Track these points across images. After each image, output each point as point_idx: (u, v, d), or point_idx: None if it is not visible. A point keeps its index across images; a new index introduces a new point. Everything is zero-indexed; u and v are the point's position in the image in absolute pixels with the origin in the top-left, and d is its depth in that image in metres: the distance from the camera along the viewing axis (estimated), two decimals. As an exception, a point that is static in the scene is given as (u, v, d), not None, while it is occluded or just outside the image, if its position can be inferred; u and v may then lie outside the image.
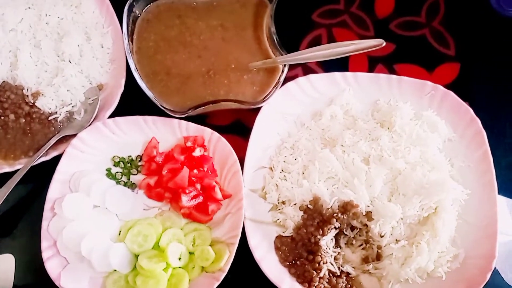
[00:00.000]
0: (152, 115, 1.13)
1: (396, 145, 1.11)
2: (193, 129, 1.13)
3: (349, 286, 1.05)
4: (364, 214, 1.05)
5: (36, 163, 1.10)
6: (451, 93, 1.15)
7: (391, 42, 1.30)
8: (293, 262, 1.06)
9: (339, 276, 1.05)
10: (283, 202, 1.11)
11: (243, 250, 1.03)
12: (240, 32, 1.22)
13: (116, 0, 1.22)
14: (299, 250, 1.06)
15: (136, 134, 1.14)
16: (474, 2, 1.34)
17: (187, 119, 1.13)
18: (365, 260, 1.07)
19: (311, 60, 1.16)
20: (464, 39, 1.31)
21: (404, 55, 1.30)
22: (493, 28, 1.32)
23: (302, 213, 1.08)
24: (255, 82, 1.17)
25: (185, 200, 1.08)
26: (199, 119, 1.18)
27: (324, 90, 1.19)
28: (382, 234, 1.05)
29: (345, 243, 1.09)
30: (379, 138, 1.12)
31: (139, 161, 1.15)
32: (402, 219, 1.06)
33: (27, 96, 1.15)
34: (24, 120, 1.14)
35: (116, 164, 1.14)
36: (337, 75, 1.18)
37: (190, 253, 1.06)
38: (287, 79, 1.16)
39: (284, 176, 1.12)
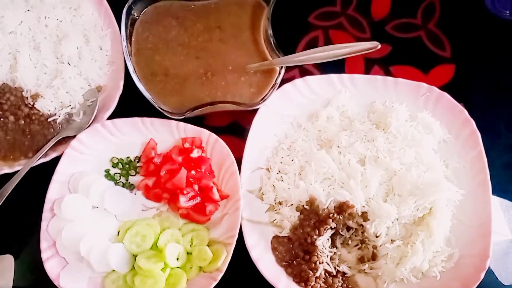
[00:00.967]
0: (151, 116, 1.14)
1: (392, 146, 1.12)
2: (191, 130, 1.14)
3: (345, 285, 1.06)
4: (359, 214, 1.07)
5: (35, 164, 1.11)
6: (446, 94, 1.16)
7: (387, 44, 1.31)
8: (290, 262, 1.07)
9: (335, 276, 1.06)
10: (280, 203, 1.12)
11: (240, 250, 1.04)
12: (238, 34, 1.23)
13: (115, 2, 1.24)
14: (295, 250, 1.07)
15: (135, 135, 1.15)
16: (469, 4, 1.35)
17: (185, 120, 1.14)
18: (361, 260, 1.08)
19: (307, 62, 1.17)
20: (459, 41, 1.32)
21: (400, 56, 1.31)
22: (488, 30, 1.33)
23: (298, 213, 1.10)
24: (252, 84, 1.18)
25: (183, 201, 1.09)
26: (197, 120, 1.19)
27: (321, 92, 1.20)
28: (377, 234, 1.06)
29: (341, 243, 1.10)
30: (375, 139, 1.13)
31: (138, 162, 1.16)
32: (397, 219, 1.07)
33: (27, 98, 1.16)
34: (23, 122, 1.15)
35: (114, 165, 1.15)
36: (333, 77, 1.19)
37: (188, 253, 1.07)
38: (284, 81, 1.17)
39: (281, 177, 1.13)
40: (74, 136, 1.12)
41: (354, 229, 1.08)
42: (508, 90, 1.29)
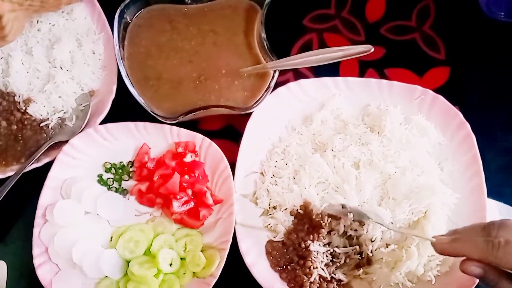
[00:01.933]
0: (144, 121, 1.13)
1: (386, 150, 1.12)
2: (184, 134, 1.13)
3: (340, 291, 1.06)
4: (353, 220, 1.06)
5: (27, 169, 1.10)
6: (441, 97, 1.16)
7: (381, 47, 1.31)
8: (284, 266, 1.06)
9: (330, 281, 1.05)
10: (274, 207, 1.11)
11: (234, 255, 1.04)
12: (231, 38, 1.22)
13: (108, 6, 1.23)
14: (290, 255, 1.06)
15: (128, 140, 1.14)
16: (464, 6, 1.34)
17: (178, 124, 1.13)
18: (357, 266, 1.07)
19: (301, 66, 1.17)
20: (454, 43, 1.32)
21: (394, 59, 1.30)
22: (482, 32, 1.33)
23: (292, 218, 1.09)
24: (246, 88, 1.17)
25: (176, 206, 1.08)
26: (191, 124, 1.18)
27: (315, 95, 1.19)
28: (372, 239, 1.05)
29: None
30: (369, 143, 1.12)
31: (131, 167, 1.15)
32: (392, 223, 1.06)
33: (19, 102, 1.16)
34: (15, 127, 1.15)
35: (107, 170, 1.14)
36: (327, 80, 1.18)
37: (181, 258, 1.06)
38: (279, 84, 1.16)
39: (275, 181, 1.13)
40: (66, 141, 1.12)
41: (348, 234, 1.08)
42: (504, 92, 1.28)
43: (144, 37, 1.21)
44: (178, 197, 1.08)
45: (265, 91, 1.15)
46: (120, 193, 1.13)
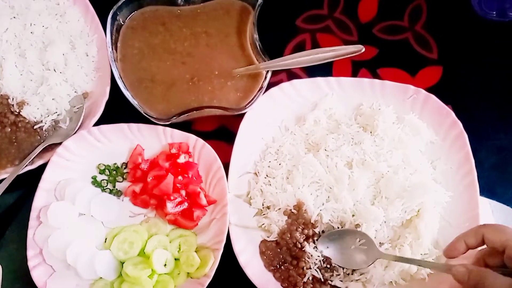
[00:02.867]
0: (137, 122, 1.13)
1: (379, 149, 1.12)
2: (178, 136, 1.13)
3: (334, 291, 1.06)
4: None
5: (22, 172, 1.11)
6: (433, 96, 1.16)
7: (374, 47, 1.31)
8: (278, 266, 1.07)
9: (324, 283, 1.05)
10: (268, 207, 1.12)
11: (228, 255, 1.04)
12: (224, 39, 1.23)
13: (101, 8, 1.23)
14: (283, 255, 1.07)
15: (121, 141, 1.15)
16: (456, 6, 1.35)
17: (172, 126, 1.14)
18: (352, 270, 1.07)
19: (293, 66, 1.17)
20: (446, 43, 1.33)
21: (387, 59, 1.31)
22: (475, 31, 1.33)
23: (286, 217, 1.09)
24: (239, 88, 1.18)
25: (170, 207, 1.09)
26: (184, 126, 1.18)
27: (308, 95, 1.20)
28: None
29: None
30: (362, 142, 1.13)
31: (125, 168, 1.15)
32: (385, 222, 1.07)
33: (13, 105, 1.16)
34: (9, 129, 1.15)
35: (101, 172, 1.14)
36: (320, 80, 1.19)
37: (175, 259, 1.07)
38: (272, 84, 1.17)
39: (269, 181, 1.13)
40: (60, 143, 1.12)
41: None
42: (495, 91, 1.29)
43: (137, 39, 1.21)
44: (172, 198, 1.09)
45: (258, 91, 1.15)
46: (114, 195, 1.13)
